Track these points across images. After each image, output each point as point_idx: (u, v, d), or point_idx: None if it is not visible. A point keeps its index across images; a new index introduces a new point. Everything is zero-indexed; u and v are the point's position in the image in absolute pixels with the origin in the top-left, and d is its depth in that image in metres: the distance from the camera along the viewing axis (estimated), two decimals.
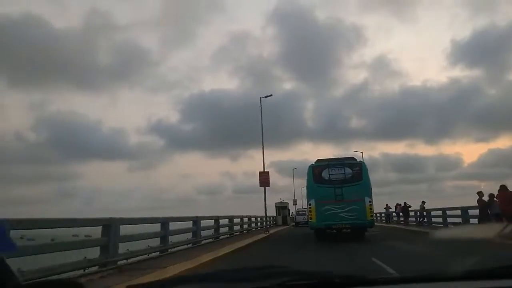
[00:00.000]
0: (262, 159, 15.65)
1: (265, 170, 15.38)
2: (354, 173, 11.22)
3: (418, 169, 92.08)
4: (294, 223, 29.25)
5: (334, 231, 11.92)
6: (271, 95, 17.37)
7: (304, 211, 28.84)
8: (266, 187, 15.45)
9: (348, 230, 11.71)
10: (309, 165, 12.03)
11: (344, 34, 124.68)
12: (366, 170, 11.47)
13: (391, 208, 23.26)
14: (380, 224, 23.17)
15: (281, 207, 29.63)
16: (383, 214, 26.55)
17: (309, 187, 11.83)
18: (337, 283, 0.97)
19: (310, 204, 11.38)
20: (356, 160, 12.07)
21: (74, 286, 0.74)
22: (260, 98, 16.95)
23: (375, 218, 23.13)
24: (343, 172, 11.23)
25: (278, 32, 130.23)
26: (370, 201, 10.92)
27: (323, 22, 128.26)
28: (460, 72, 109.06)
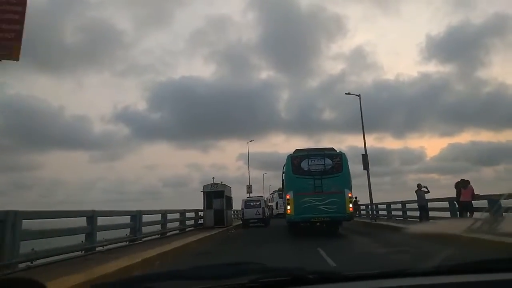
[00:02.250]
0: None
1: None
2: (334, 164, 12.37)
3: (384, 162, 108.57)
4: (241, 222, 21.99)
5: (308, 224, 13.05)
6: None
7: (258, 201, 22.29)
8: None
9: (318, 223, 12.91)
10: (288, 155, 13.05)
11: (326, 23, 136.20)
12: (347, 161, 12.58)
13: (427, 191, 14.18)
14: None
15: (213, 194, 18.03)
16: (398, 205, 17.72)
17: (287, 178, 12.88)
18: (311, 279, 1.13)
19: (288, 196, 12.41)
20: (336, 150, 13.13)
21: (35, 285, 0.85)
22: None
23: (377, 214, 20.44)
24: (323, 163, 12.36)
25: (258, 18, 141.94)
26: (350, 193, 12.19)
27: (306, 9, 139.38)
28: (431, 68, 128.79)
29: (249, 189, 33.15)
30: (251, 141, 38.01)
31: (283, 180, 16.23)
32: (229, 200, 20.34)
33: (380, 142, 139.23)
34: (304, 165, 12.51)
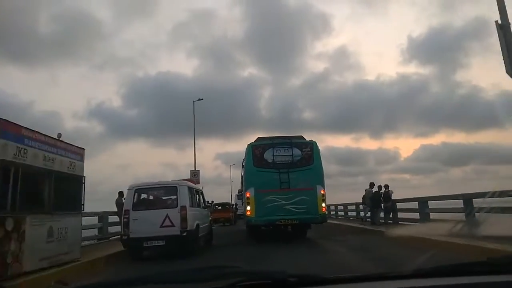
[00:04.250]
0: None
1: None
2: (304, 155, 12.44)
3: (359, 162, 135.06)
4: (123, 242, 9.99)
5: (271, 228, 12.91)
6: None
7: (173, 191, 10.39)
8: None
9: (283, 227, 12.77)
10: (248, 143, 12.92)
11: (312, 20, 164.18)
12: (318, 151, 12.71)
13: None
14: None
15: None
16: None
17: (247, 172, 12.75)
18: (291, 282, 1.32)
19: (248, 194, 12.25)
20: (305, 139, 13.17)
21: None
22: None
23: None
24: (291, 154, 12.38)
25: (243, 12, 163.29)
26: (322, 190, 12.15)
27: (293, 5, 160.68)
28: (411, 69, 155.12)
29: (195, 176, 24.20)
30: (200, 99, 30.12)
31: (242, 176, 15.61)
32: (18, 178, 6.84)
33: (357, 142, 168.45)
34: (268, 155, 12.47)
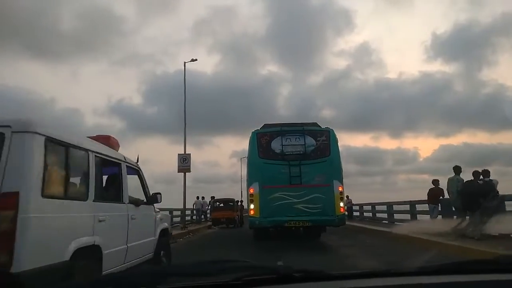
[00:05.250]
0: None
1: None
2: (319, 144, 11.79)
3: (377, 162, 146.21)
4: None
5: (280, 229, 12.30)
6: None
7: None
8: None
9: (293, 228, 11.96)
10: (253, 131, 12.34)
11: (334, 17, 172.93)
12: (336, 140, 12.07)
13: None
14: None
15: None
16: None
17: (251, 164, 12.22)
18: (297, 278, 1.46)
19: (251, 190, 11.62)
20: (320, 126, 12.52)
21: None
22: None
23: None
24: (303, 143, 11.74)
25: (265, 9, 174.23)
26: (340, 187, 11.49)
27: (315, 1, 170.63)
28: (434, 67, 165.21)
29: (184, 162, 22.47)
30: (194, 60, 25.26)
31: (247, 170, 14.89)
32: None
33: (376, 141, 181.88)
34: (276, 145, 11.83)
